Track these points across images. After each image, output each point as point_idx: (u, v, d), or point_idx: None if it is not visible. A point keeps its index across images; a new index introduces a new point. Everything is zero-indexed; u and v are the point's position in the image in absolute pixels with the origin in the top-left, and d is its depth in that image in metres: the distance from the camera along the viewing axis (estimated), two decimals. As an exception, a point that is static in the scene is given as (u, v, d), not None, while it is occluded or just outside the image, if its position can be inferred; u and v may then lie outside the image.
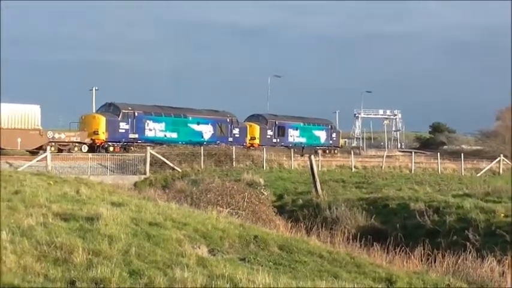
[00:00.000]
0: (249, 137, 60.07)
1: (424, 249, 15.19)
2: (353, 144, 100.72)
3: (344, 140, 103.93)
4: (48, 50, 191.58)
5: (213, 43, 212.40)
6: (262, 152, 43.07)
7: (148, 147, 38.90)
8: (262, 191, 26.58)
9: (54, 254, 8.64)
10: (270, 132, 62.83)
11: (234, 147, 45.15)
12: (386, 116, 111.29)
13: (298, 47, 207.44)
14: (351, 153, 52.26)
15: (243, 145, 55.17)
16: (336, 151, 69.48)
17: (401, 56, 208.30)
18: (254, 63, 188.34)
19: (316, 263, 10.74)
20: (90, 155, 37.77)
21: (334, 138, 71.41)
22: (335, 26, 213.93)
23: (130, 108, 51.12)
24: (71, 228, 10.32)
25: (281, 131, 64.19)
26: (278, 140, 62.99)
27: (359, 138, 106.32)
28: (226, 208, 18.59)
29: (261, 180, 31.59)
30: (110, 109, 51.10)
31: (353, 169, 42.96)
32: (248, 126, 61.18)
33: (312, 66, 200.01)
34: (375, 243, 15.39)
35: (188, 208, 15.66)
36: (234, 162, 40.57)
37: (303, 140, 66.35)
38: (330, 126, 71.38)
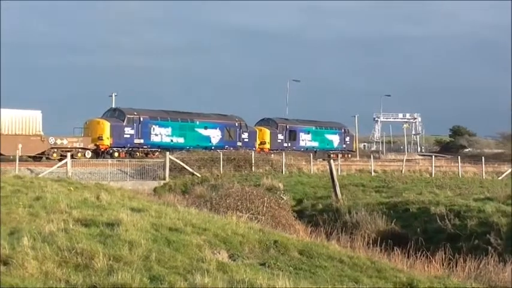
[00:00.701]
0: (258, 142, 59.23)
1: (445, 253, 15.10)
2: (372, 148, 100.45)
3: (363, 144, 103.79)
4: (61, 54, 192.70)
5: (229, 45, 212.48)
6: (281, 156, 42.98)
7: (168, 153, 38.92)
8: (281, 195, 26.57)
9: (75, 259, 8.69)
10: (280, 137, 61.88)
11: (253, 152, 45.00)
12: (406, 120, 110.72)
13: (317, 50, 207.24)
14: (370, 157, 52.01)
15: (252, 150, 53.72)
16: (349, 155, 68.34)
17: (421, 58, 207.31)
18: (272, 67, 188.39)
19: (337, 267, 10.70)
20: (109, 161, 37.89)
21: (348, 142, 70.25)
22: (355, 28, 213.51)
23: (135, 113, 50.48)
24: (91, 234, 10.36)
25: (292, 135, 63.20)
26: (289, 145, 61.87)
27: (378, 142, 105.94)
28: (246, 213, 18.59)
29: (281, 185, 31.55)
30: (115, 114, 50.49)
31: (373, 173, 42.69)
32: (258, 131, 60.32)
33: (331, 70, 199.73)
34: (395, 248, 15.31)
35: (208, 213, 15.68)
36: (253, 167, 40.54)
37: (315, 144, 65.25)
38: (343, 130, 70.13)
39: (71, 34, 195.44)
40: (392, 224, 20.93)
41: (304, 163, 44.95)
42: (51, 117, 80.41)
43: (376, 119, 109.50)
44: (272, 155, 48.40)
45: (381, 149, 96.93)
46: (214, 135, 55.50)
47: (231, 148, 52.74)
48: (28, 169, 33.76)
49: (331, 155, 61.52)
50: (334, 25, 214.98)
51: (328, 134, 67.92)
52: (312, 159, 44.59)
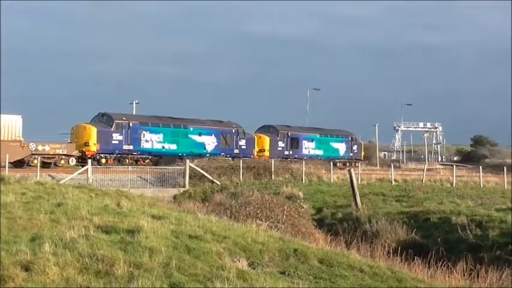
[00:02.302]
0: (257, 149, 57.34)
1: (466, 264, 14.99)
2: (393, 157, 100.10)
3: (384, 152, 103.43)
4: (86, 62, 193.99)
5: (256, 54, 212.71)
6: (301, 165, 42.90)
7: (187, 160, 38.98)
8: (301, 204, 26.50)
9: (96, 266, 8.73)
10: (281, 144, 59.82)
11: (272, 160, 44.85)
12: (426, 129, 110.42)
13: (336, 58, 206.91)
14: (390, 166, 51.78)
15: (250, 157, 52.60)
16: (357, 164, 64.18)
17: (442, 67, 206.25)
18: (294, 74, 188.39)
19: (357, 277, 10.65)
20: (130, 168, 37.89)
21: (355, 151, 67.88)
22: (377, 36, 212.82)
23: (124, 119, 48.94)
24: (112, 241, 10.42)
25: (295, 143, 61.20)
26: (291, 152, 59.89)
27: (399, 151, 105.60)
28: (266, 221, 18.55)
29: (300, 194, 31.46)
30: (103, 119, 48.65)
31: (393, 182, 42.51)
32: (256, 138, 58.47)
33: (353, 78, 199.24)
34: (415, 258, 15.22)
35: (228, 221, 15.69)
36: (272, 175, 40.51)
37: (320, 152, 63.02)
38: (350, 138, 67.75)
39: (85, 40, 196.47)
40: (413, 233, 20.79)
41: (324, 172, 44.87)
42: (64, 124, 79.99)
43: (396, 128, 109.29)
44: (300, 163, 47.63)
45: (401, 158, 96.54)
46: (210, 142, 53.84)
47: (228, 155, 51.90)
48: (49, 175, 33.99)
49: (338, 164, 60.36)
50: (352, 33, 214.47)
51: (334, 142, 65.83)
52: (332, 168, 44.48)
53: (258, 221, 17.78)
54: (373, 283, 10.35)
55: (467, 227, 19.74)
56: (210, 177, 37.53)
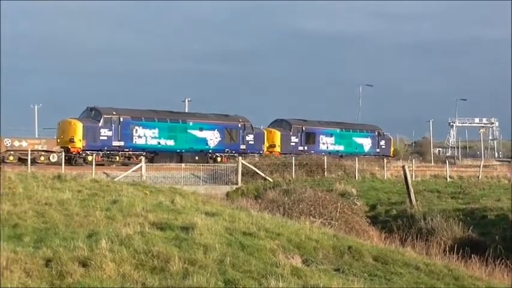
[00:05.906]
0: (267, 144, 53.82)
1: (526, 262, 14.65)
2: (448, 154, 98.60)
3: (438, 149, 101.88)
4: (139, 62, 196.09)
5: (305, 51, 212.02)
6: (354, 161, 42.58)
7: (240, 158, 39.06)
8: (354, 201, 26.33)
9: (152, 262, 8.83)
10: (294, 139, 56.09)
11: (325, 157, 44.50)
12: (482, 125, 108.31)
13: (392, 54, 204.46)
14: (445, 163, 50.98)
15: (259, 153, 50.48)
16: (383, 160, 58.28)
17: (497, 61, 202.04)
18: (345, 72, 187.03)
19: (412, 275, 10.51)
20: (183, 165, 38.11)
21: (383, 146, 63.27)
22: (432, 31, 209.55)
23: (114, 113, 45.80)
24: (167, 237, 10.52)
25: (311, 138, 57.61)
26: (306, 148, 55.90)
27: (454, 147, 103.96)
28: (319, 218, 18.52)
29: (354, 190, 31.27)
30: (91, 114, 45.47)
31: (448, 179, 41.85)
32: (266, 133, 54.90)
33: (406, 74, 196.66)
34: (472, 256, 14.94)
35: (281, 218, 15.67)
36: (325, 172, 40.34)
37: (340, 148, 59.07)
38: (376, 133, 63.27)
39: (134, 40, 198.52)
40: (469, 231, 20.44)
41: (377, 168, 44.46)
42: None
43: (451, 123, 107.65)
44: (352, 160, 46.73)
45: (456, 154, 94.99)
46: (212, 137, 50.43)
47: (233, 151, 49.89)
48: (104, 173, 34.52)
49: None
50: (406, 30, 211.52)
51: (357, 137, 61.75)
52: (385, 164, 44.05)
53: (311, 218, 17.77)
54: (429, 281, 10.20)
55: (526, 225, 19.33)
56: (263, 174, 37.55)
